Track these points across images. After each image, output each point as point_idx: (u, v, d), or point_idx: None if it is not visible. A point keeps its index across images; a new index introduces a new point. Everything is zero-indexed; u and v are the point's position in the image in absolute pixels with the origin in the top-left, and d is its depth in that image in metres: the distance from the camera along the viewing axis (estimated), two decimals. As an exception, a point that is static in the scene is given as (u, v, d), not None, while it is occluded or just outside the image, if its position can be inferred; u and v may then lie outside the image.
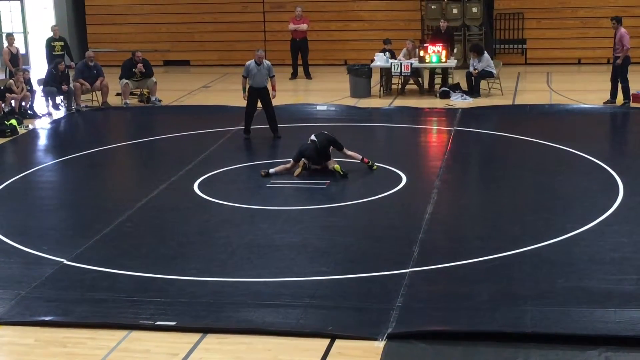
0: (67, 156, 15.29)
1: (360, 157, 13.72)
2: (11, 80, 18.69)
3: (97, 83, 19.46)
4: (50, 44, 19.98)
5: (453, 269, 9.56)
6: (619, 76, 17.93)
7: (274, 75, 16.14)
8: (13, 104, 18.25)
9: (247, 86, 16.10)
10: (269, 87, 16.08)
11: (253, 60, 15.93)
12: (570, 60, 23.57)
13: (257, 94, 15.92)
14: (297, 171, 13.42)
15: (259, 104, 16.07)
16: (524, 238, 10.37)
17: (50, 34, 21.01)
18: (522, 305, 8.51)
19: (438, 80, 20.25)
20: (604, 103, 18.12)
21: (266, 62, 15.91)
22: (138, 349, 7.93)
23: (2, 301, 8.95)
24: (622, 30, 17.90)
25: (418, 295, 8.88)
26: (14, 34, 21.25)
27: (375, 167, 13.59)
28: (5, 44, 20.65)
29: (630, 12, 23.06)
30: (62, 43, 20.02)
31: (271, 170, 13.41)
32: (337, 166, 13.31)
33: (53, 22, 25.71)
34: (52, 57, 20.02)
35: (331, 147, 13.53)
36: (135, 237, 10.98)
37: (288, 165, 13.51)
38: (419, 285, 9.13)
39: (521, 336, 7.87)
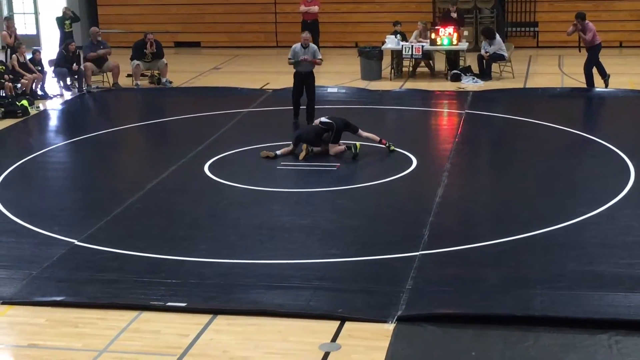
0: (77, 137, 15.31)
1: (378, 138, 13.69)
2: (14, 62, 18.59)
3: (108, 64, 19.49)
4: (62, 23, 20.31)
5: (463, 252, 9.56)
6: (592, 64, 17.98)
7: (320, 59, 15.84)
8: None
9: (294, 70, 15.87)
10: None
11: (299, 43, 15.84)
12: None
13: (302, 77, 15.76)
14: (302, 155, 13.39)
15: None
16: (534, 221, 10.34)
17: (61, 14, 21.38)
18: (532, 288, 8.51)
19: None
20: (605, 87, 18.04)
21: (312, 46, 15.75)
22: (148, 330, 7.97)
23: (14, 281, 9.00)
24: (590, 24, 17.91)
25: (428, 278, 8.89)
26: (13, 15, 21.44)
27: (392, 148, 13.55)
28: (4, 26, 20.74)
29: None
30: (70, 21, 20.31)
31: (278, 152, 13.46)
32: (358, 144, 13.31)
33: (64, 3, 25.68)
34: (64, 34, 20.21)
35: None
36: (145, 219, 11.01)
37: (289, 148, 13.53)
38: (429, 268, 9.14)
39: (531, 320, 7.87)
